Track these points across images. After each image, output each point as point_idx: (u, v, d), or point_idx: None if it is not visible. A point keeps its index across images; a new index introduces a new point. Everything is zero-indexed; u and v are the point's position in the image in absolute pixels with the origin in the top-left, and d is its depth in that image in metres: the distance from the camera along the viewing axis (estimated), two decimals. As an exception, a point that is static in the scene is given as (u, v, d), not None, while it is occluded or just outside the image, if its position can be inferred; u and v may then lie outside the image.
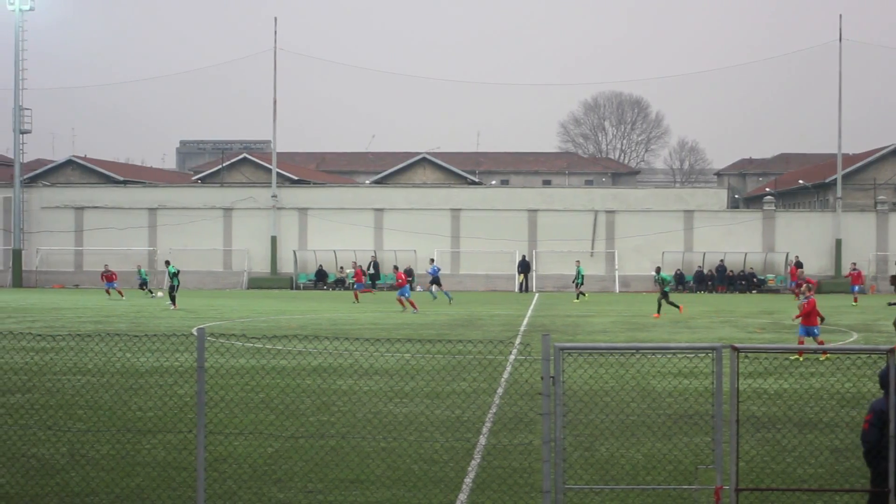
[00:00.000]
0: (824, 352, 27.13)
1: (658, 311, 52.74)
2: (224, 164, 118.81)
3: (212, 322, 47.09)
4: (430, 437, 18.90)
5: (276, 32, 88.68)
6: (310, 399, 23.13)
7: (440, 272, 69.64)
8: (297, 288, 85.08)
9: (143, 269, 77.42)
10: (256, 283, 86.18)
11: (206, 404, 13.62)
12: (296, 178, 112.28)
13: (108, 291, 68.70)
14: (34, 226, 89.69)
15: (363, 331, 41.91)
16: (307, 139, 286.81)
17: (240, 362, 29.79)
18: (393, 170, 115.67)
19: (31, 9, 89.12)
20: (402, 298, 56.10)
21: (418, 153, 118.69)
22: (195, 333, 18.78)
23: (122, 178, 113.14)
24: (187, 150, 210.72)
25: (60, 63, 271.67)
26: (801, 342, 33.33)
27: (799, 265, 78.93)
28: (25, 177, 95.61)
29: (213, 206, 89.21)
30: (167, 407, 22.11)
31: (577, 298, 68.50)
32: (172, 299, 57.62)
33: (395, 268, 64.95)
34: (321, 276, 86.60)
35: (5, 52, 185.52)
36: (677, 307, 54.41)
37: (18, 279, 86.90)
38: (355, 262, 77.39)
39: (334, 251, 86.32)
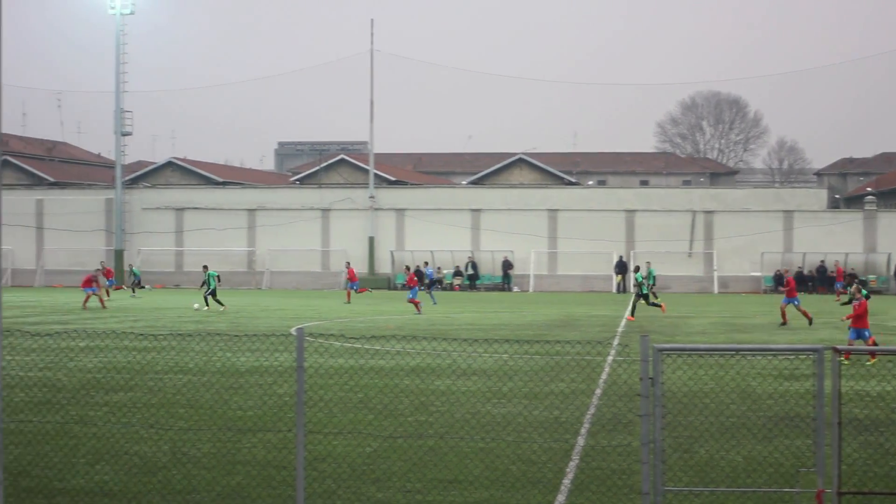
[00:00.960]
0: (872, 353, 26.86)
1: (632, 314, 50.82)
2: (322, 166, 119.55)
3: (310, 322, 47.40)
4: (528, 438, 18.87)
5: (372, 34, 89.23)
6: (408, 399, 23.19)
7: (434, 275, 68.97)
8: (395, 288, 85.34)
9: (135, 268, 78.33)
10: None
11: (305, 404, 13.71)
12: (393, 178, 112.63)
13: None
14: (135, 227, 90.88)
15: (460, 331, 41.94)
16: (404, 140, 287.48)
17: (338, 362, 29.95)
18: (489, 170, 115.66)
19: (132, 13, 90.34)
20: (415, 300, 55.57)
21: (515, 154, 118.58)
22: (294, 333, 18.92)
23: (221, 180, 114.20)
24: (285, 152, 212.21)
25: (160, 66, 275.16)
26: (851, 344, 32.71)
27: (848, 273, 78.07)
28: (127, 178, 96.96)
29: (311, 206, 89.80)
30: (267, 406, 22.29)
31: (649, 302, 67.27)
32: (205, 300, 56.86)
33: (407, 268, 63.55)
34: (418, 276, 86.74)
35: (107, 55, 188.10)
36: (659, 306, 53.25)
37: (120, 279, 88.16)
38: (348, 263, 75.29)
39: (431, 252, 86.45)
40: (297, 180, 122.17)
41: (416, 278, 58.12)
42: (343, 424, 20.20)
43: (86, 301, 57.26)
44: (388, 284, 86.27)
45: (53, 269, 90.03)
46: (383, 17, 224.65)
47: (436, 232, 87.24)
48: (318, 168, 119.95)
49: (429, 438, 18.93)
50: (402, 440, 18.80)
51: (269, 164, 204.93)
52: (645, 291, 51.90)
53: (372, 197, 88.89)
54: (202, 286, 58.54)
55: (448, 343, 32.99)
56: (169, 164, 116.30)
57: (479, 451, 17.93)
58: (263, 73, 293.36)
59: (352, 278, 69.48)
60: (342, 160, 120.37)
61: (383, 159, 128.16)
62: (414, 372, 27.41)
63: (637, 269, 55.33)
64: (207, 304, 56.51)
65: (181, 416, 21.17)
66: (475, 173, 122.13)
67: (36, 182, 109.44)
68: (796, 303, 46.76)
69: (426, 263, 68.01)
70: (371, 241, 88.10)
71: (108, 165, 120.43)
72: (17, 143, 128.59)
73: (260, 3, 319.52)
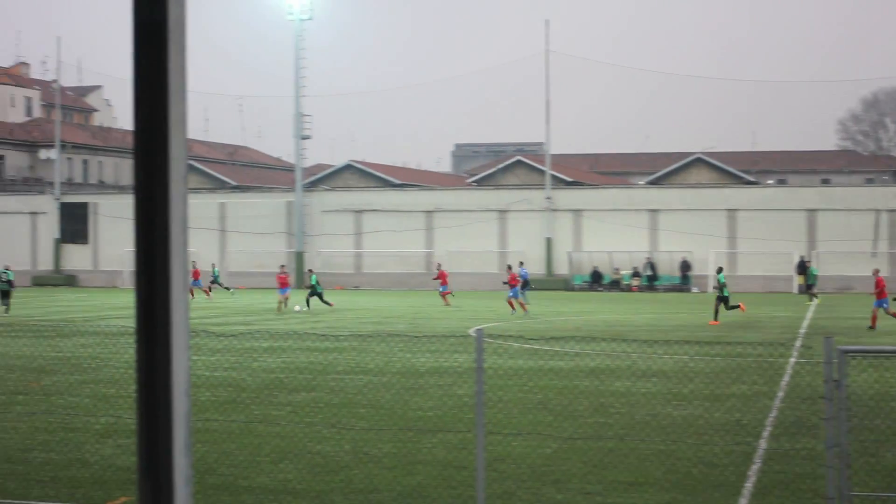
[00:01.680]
0: None
1: (715, 318, 48.07)
2: (498, 167, 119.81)
3: (488, 323, 47.54)
4: (709, 441, 18.65)
5: (547, 35, 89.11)
6: (587, 400, 23.11)
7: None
8: (572, 289, 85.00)
9: (215, 269, 77.71)
10: (528, 285, 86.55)
11: (484, 404, 13.75)
12: (570, 179, 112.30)
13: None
14: (315, 229, 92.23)
15: (639, 332, 41.61)
16: (580, 140, 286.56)
17: (517, 363, 29.98)
18: (667, 170, 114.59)
19: (310, 18, 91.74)
20: (513, 300, 55.02)
21: (693, 153, 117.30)
22: (473, 334, 18.99)
23: (398, 182, 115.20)
24: (462, 153, 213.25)
25: (338, 69, 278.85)
26: None
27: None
28: (306, 181, 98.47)
29: (487, 208, 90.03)
30: (446, 406, 22.42)
31: (811, 300, 65.65)
32: (307, 302, 56.95)
33: (509, 267, 60.51)
34: (596, 277, 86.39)
35: (286, 60, 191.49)
36: (737, 307, 50.11)
37: (301, 281, 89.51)
38: (310, 270, 71.41)
39: (609, 252, 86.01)
40: (474, 182, 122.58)
41: (516, 278, 56.85)
42: (522, 425, 20.21)
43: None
44: (565, 286, 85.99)
45: (236, 272, 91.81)
46: (559, 18, 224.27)
47: (613, 232, 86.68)
48: (494, 169, 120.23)
49: (608, 440, 18.83)
50: (581, 441, 18.74)
51: (445, 166, 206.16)
52: (726, 294, 49.31)
53: (548, 198, 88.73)
54: (308, 289, 58.96)
55: (627, 344, 32.77)
56: (348, 167, 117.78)
57: (659, 453, 17.78)
58: (440, 76, 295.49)
59: (443, 280, 66.88)
60: (518, 161, 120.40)
61: (560, 160, 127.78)
62: (592, 373, 27.27)
63: (720, 270, 52.42)
64: (308, 306, 56.80)
65: (362, 416, 21.41)
66: (652, 173, 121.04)
67: (218, 186, 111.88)
68: (885, 305, 45.13)
69: (521, 263, 66.36)
70: (548, 242, 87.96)
71: (289, 169, 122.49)
72: (201, 148, 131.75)
73: (436, 6, 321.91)
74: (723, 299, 48.82)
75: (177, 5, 2.66)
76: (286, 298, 57.60)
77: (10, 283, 57.76)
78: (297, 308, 56.48)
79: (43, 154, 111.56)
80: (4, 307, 54.80)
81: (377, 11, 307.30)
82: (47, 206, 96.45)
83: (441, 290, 66.07)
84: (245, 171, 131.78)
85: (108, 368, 29.31)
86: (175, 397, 2.70)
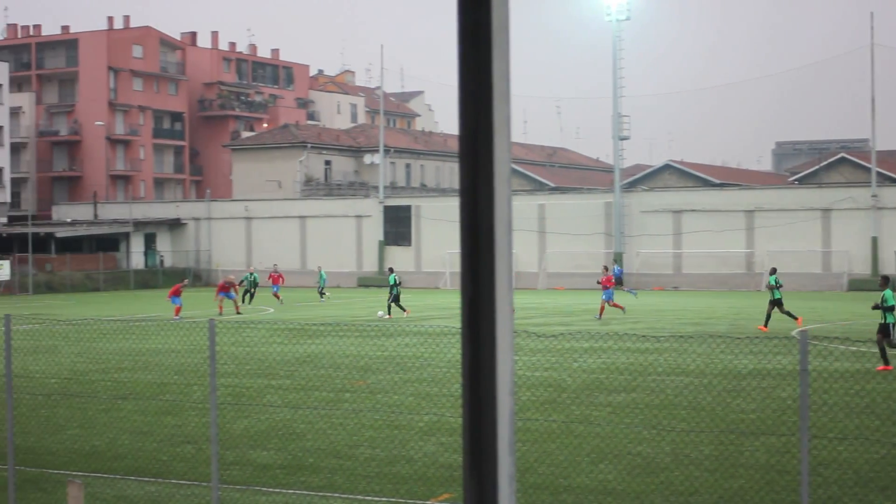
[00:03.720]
0: None
1: (765, 324, 43.69)
2: (821, 165, 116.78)
3: (812, 325, 46.38)
4: None
5: (872, 28, 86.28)
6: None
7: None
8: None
9: (323, 272, 72.67)
10: (856, 285, 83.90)
11: (808, 408, 13.43)
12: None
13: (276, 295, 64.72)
14: (634, 229, 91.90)
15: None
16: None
17: (843, 366, 29.15)
18: None
19: (627, 18, 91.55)
20: (606, 303, 50.75)
21: None
22: (796, 336, 18.58)
23: (717, 181, 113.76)
24: (783, 152, 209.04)
25: (656, 69, 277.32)
26: None
27: None
28: (625, 182, 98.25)
29: (810, 207, 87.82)
30: (769, 409, 22.01)
31: (783, 309, 57.81)
32: (389, 308, 54.17)
33: (605, 268, 55.85)
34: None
35: (604, 61, 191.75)
36: (794, 318, 44.98)
37: (619, 280, 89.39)
38: (275, 266, 69.74)
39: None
40: (796, 180, 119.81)
41: (612, 280, 52.65)
42: (848, 430, 19.65)
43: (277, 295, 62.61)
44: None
45: (555, 272, 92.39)
46: (884, 11, 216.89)
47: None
48: (816, 167, 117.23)
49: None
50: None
51: (766, 165, 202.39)
52: (778, 296, 44.57)
53: (874, 196, 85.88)
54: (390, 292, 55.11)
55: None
56: (666, 167, 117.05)
57: None
58: (759, 73, 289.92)
59: (275, 281, 64.73)
60: (842, 159, 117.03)
61: (887, 157, 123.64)
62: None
63: (773, 272, 47.29)
64: (389, 313, 53.87)
65: (682, 418, 21.23)
66: None
67: (537, 187, 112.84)
68: None
69: (615, 261, 61.75)
70: (874, 241, 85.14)
71: (607, 169, 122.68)
72: (520, 150, 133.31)
73: (753, 2, 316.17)
74: (775, 302, 44.51)
75: (500, 8, 2.70)
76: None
77: (255, 283, 61.63)
78: (379, 314, 53.83)
79: (367, 159, 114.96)
80: (247, 303, 59.64)
81: (693, 9, 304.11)
82: (372, 210, 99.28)
83: (274, 289, 64.60)
84: (563, 172, 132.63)
85: (430, 368, 29.97)
86: (500, 397, 2.74)
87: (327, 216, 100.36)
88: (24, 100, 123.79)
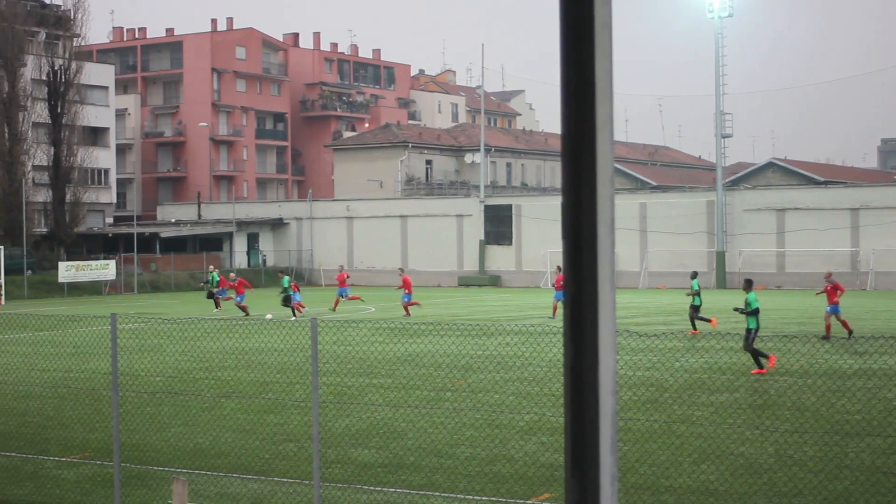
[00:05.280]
0: None
1: (694, 327, 41.60)
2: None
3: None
4: None
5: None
6: None
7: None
8: None
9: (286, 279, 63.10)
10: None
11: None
12: None
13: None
14: (736, 228, 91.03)
15: None
16: None
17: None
18: None
19: (730, 15, 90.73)
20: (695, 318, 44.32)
21: None
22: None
23: (822, 179, 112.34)
24: (889, 149, 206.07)
25: (759, 66, 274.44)
26: None
27: None
28: (727, 180, 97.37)
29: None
30: (874, 410, 21.69)
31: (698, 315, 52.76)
32: (293, 311, 53.18)
33: (559, 268, 49.62)
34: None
35: (706, 58, 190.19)
36: (708, 321, 42.27)
37: (722, 280, 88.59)
38: (232, 274, 64.15)
39: None
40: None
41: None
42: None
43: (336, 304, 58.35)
44: None
45: (656, 271, 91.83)
46: None
47: None
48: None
49: None
50: None
51: (871, 162, 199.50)
52: (697, 303, 42.35)
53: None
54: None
55: None
56: (770, 165, 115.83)
57: None
58: (865, 69, 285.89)
59: (222, 285, 60.78)
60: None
61: None
62: None
63: (695, 276, 44.64)
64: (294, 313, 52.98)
65: (785, 419, 21.01)
66: None
67: (639, 186, 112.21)
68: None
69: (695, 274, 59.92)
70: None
71: (709, 168, 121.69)
72: (621, 149, 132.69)
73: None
74: (695, 308, 42.44)
75: (603, 6, 2.69)
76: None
77: (214, 284, 60.58)
78: (268, 316, 51.15)
79: (468, 158, 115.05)
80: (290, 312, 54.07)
81: (797, 5, 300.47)
82: (472, 209, 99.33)
83: (220, 294, 60.32)
84: (665, 170, 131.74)
85: (531, 367, 29.93)
86: (602, 396, 2.73)
87: (428, 215, 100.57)
88: (130, 102, 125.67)
